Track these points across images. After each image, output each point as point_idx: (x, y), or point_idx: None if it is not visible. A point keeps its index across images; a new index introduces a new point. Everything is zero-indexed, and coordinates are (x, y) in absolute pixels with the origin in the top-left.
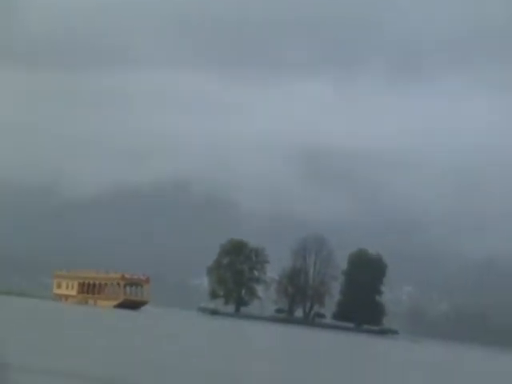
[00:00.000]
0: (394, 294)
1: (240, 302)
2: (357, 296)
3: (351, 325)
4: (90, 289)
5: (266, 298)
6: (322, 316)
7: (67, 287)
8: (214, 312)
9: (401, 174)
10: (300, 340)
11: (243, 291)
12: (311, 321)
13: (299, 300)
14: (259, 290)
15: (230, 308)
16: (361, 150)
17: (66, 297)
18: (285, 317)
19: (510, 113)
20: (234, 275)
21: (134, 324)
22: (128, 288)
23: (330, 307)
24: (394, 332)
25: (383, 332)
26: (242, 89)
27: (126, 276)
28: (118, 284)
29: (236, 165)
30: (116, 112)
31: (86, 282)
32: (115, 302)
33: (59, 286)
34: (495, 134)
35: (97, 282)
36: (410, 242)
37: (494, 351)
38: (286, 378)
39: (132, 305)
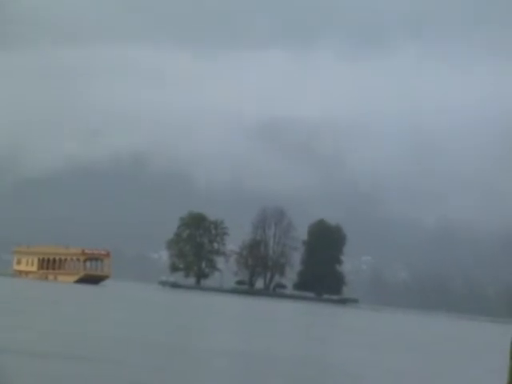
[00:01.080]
0: (354, 264)
1: (200, 275)
2: (317, 266)
3: (312, 294)
4: (50, 264)
5: (227, 270)
6: (282, 286)
7: (27, 263)
8: (175, 285)
9: (359, 145)
10: (260, 310)
11: (203, 264)
12: (272, 291)
13: (260, 271)
14: (219, 262)
15: (191, 281)
16: (319, 121)
17: (27, 273)
18: (246, 288)
19: (461, 81)
20: (194, 248)
21: (95, 298)
22: (88, 263)
23: (290, 278)
24: (354, 301)
25: (343, 301)
26: (199, 60)
27: (86, 251)
28: (78, 259)
29: (194, 138)
30: (71, 87)
31: (46, 257)
32: (76, 277)
33: (19, 263)
34: (449, 102)
35: (57, 258)
36: (368, 211)
37: (454, 318)
38: (243, 347)
39: (93, 279)
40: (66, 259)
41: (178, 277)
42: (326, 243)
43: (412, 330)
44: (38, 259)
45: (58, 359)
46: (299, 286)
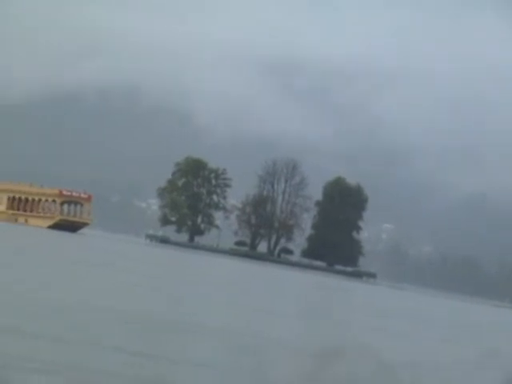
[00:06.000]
0: (373, 232)
1: (195, 231)
2: (331, 231)
3: (323, 264)
4: (21, 205)
5: (226, 228)
6: (289, 252)
7: None
8: (164, 240)
9: (387, 94)
10: (261, 278)
11: (199, 218)
12: (276, 257)
13: (264, 232)
14: (218, 217)
15: (183, 237)
16: (340, 65)
17: None
18: (246, 251)
19: None
20: (190, 199)
21: (70, 250)
22: (66, 206)
23: (299, 243)
24: (372, 275)
25: (359, 274)
26: None
27: (64, 192)
28: (54, 201)
29: (195, 72)
30: (61, 8)
31: (17, 196)
32: (50, 222)
33: None
34: (501, 53)
35: (30, 198)
36: (392, 172)
37: (482, 303)
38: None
39: (70, 226)
40: (39, 200)
41: (169, 231)
42: (343, 206)
43: (452, 317)
44: (8, 198)
45: None
46: (308, 253)
